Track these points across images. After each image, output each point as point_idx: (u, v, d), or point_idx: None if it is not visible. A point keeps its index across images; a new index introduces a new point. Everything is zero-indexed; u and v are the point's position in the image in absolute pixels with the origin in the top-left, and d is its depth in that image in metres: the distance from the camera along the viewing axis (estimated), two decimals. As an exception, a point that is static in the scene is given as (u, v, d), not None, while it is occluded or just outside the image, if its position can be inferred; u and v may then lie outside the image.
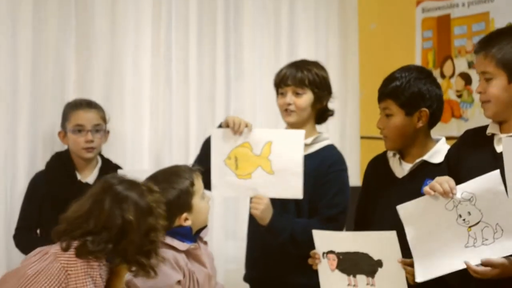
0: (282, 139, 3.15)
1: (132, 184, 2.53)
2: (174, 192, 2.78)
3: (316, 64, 3.32)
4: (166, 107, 4.00)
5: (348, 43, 4.62)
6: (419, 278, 2.58)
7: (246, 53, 4.25)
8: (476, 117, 4.25)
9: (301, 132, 3.15)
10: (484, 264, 2.46)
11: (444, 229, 2.55)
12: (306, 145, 3.23)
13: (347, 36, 4.62)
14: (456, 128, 4.29)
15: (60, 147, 3.60)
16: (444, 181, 2.54)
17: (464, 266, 2.50)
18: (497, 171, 2.47)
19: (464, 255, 2.51)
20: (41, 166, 3.55)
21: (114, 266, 2.49)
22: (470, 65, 4.32)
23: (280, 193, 3.13)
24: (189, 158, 3.99)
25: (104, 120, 3.53)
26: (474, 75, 4.29)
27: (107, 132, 3.56)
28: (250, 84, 4.25)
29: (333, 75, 4.41)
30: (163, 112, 3.99)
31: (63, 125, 3.50)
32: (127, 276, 2.73)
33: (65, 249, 2.41)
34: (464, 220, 2.52)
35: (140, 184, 2.54)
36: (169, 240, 2.76)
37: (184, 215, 2.80)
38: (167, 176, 2.83)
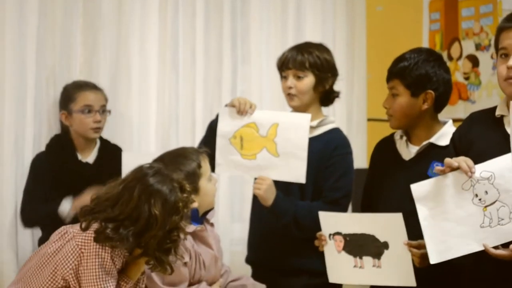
0: (288, 122, 3.14)
1: (165, 178, 2.49)
2: (181, 174, 2.76)
3: (318, 46, 3.30)
4: (172, 90, 4.00)
5: (355, 26, 4.60)
6: (433, 259, 2.54)
7: (252, 36, 4.24)
8: (483, 99, 4.24)
9: (307, 116, 3.15)
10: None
11: (459, 209, 2.52)
12: (312, 128, 3.22)
13: (354, 19, 4.59)
14: (463, 110, 4.28)
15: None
16: (462, 160, 2.52)
17: (481, 248, 2.47)
18: None
19: (479, 236, 2.48)
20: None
21: (133, 256, 2.49)
22: (478, 47, 4.30)
23: (284, 176, 3.13)
24: (195, 140, 3.99)
25: (106, 101, 3.57)
26: (481, 57, 4.28)
27: (108, 112, 3.59)
28: (256, 67, 4.24)
29: (340, 57, 4.41)
30: (169, 95, 3.99)
31: (66, 106, 3.51)
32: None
33: (84, 229, 2.42)
34: (480, 199, 2.49)
35: (173, 180, 2.51)
36: None
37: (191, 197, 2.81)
38: (174, 158, 2.83)
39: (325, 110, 3.36)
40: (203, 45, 4.07)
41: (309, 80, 3.23)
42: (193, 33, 4.05)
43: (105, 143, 3.59)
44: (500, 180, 2.48)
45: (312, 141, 3.18)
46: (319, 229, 2.91)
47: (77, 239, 2.41)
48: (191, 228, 2.78)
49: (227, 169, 3.19)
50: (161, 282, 2.67)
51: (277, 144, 3.14)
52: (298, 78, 3.23)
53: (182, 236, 2.52)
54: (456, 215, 2.52)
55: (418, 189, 2.60)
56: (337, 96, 3.34)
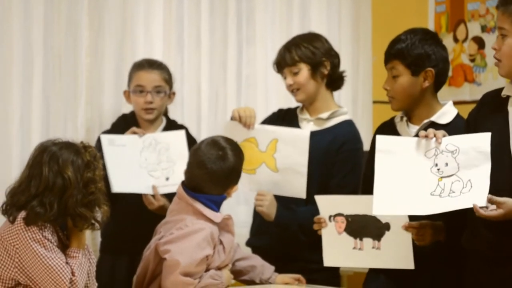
0: (288, 138, 3.17)
1: (66, 143, 2.58)
2: (242, 163, 2.91)
3: (305, 36, 3.34)
4: (177, 72, 3.99)
5: (361, 8, 4.59)
6: (376, 211, 2.63)
7: (258, 17, 4.23)
8: (489, 81, 4.23)
9: (307, 134, 3.18)
10: (488, 201, 2.47)
11: (415, 173, 2.60)
12: (322, 120, 3.27)
13: (360, 1, 4.58)
14: (469, 92, 4.28)
15: (67, 110, 3.61)
16: (431, 131, 2.64)
17: (423, 213, 2.56)
18: (489, 134, 2.53)
19: (426, 201, 2.55)
20: (53, 129, 3.57)
21: (70, 229, 2.54)
22: (484, 29, 4.29)
23: (283, 191, 3.17)
24: (201, 123, 4.01)
25: (166, 81, 3.50)
26: (487, 39, 4.27)
27: (172, 94, 3.55)
28: (262, 49, 4.24)
29: (346, 39, 4.42)
30: (174, 77, 3.98)
31: (128, 85, 3.51)
32: (157, 240, 2.79)
33: (13, 221, 2.46)
34: (438, 170, 2.57)
35: (74, 143, 2.59)
36: (204, 210, 2.82)
37: (236, 187, 2.91)
38: (239, 147, 2.95)
39: (336, 98, 3.35)
40: (208, 26, 4.07)
41: (304, 71, 3.25)
42: (198, 14, 4.05)
43: (171, 123, 3.55)
44: (463, 156, 2.55)
45: (321, 133, 3.21)
46: None
47: (6, 238, 2.44)
48: (219, 217, 2.83)
49: None
50: (179, 272, 2.71)
51: (276, 160, 3.17)
52: (295, 74, 3.26)
53: (100, 185, 2.57)
54: (411, 177, 2.59)
55: (383, 141, 2.68)
56: (342, 76, 3.34)
